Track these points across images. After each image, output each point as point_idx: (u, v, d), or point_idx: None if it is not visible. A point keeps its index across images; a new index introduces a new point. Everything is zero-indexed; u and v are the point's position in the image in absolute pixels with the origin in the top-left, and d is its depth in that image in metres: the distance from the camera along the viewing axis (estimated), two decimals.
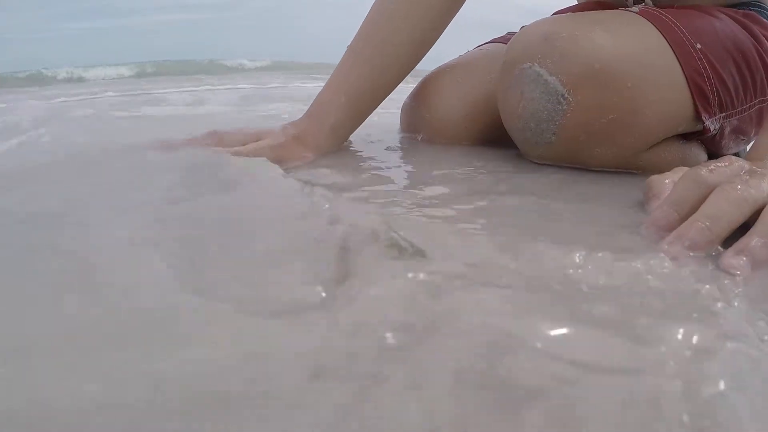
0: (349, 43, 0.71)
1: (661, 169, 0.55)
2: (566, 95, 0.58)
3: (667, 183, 0.46)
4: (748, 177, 0.39)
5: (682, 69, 0.60)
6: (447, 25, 0.74)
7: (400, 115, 0.84)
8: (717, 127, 0.66)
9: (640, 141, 0.62)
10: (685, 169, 0.47)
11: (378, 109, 0.72)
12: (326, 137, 0.67)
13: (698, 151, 0.70)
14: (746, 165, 0.41)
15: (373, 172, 0.61)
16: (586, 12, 0.64)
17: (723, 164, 0.41)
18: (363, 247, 0.32)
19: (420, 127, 0.80)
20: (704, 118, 0.63)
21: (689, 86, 0.60)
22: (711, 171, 0.40)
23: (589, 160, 0.62)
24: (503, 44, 0.80)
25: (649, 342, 0.25)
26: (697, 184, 0.39)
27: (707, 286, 0.31)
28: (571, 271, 0.32)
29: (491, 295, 0.29)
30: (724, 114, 0.65)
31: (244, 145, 0.62)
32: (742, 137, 0.72)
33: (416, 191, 0.53)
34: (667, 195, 0.43)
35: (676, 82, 0.60)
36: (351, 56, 0.70)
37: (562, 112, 0.58)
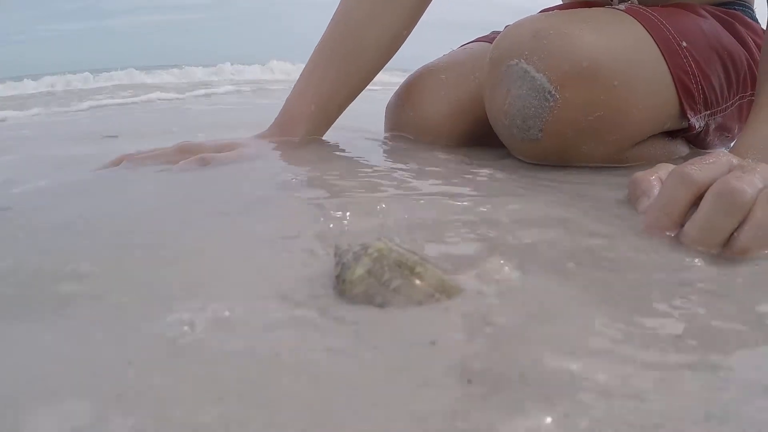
0: (315, 47, 0.70)
1: (645, 167, 0.59)
2: (553, 92, 0.58)
3: (653, 180, 0.45)
4: (739, 174, 0.38)
5: (669, 67, 0.60)
6: (416, 24, 0.74)
7: (384, 114, 0.84)
8: (702, 124, 0.66)
9: (626, 138, 0.63)
10: (669, 165, 0.47)
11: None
12: (298, 146, 0.68)
13: (683, 149, 0.71)
14: (733, 159, 0.41)
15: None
16: (574, 10, 0.64)
17: (710, 161, 0.40)
18: None
19: (404, 127, 0.79)
20: (690, 116, 0.63)
21: (675, 84, 0.61)
22: (699, 169, 0.39)
23: (575, 156, 0.63)
24: (488, 43, 0.80)
25: None
26: (685, 184, 0.38)
27: None
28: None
29: None
30: (709, 112, 0.65)
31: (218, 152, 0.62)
32: (727, 134, 0.72)
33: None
34: (655, 196, 0.42)
35: (662, 80, 0.61)
36: (319, 61, 0.70)
37: (549, 108, 0.58)
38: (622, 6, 0.65)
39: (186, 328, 0.26)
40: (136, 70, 4.17)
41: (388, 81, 1.58)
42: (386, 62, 0.74)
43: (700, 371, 0.23)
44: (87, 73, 3.85)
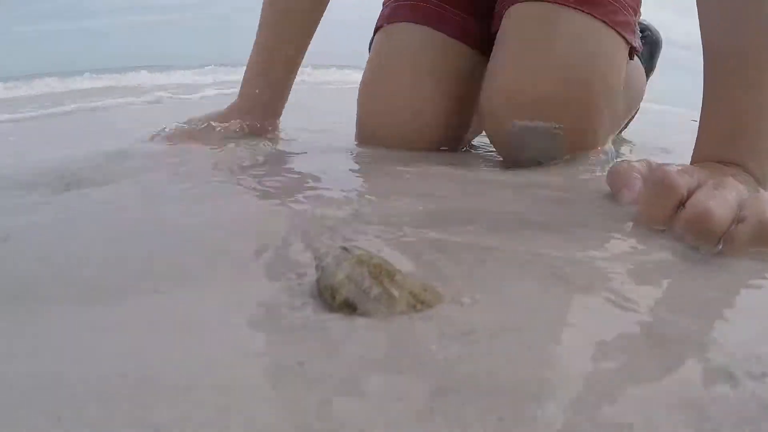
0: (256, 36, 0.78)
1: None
2: (556, 125, 0.63)
3: (634, 173, 0.46)
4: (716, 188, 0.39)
5: (609, 25, 0.65)
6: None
7: (356, 129, 0.79)
8: (639, 33, 0.72)
9: (617, 99, 0.69)
10: (645, 160, 0.48)
11: None
12: (263, 111, 0.79)
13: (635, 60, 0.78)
14: (707, 177, 0.42)
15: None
16: (513, 37, 0.67)
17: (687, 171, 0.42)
18: None
19: (381, 136, 0.75)
20: (632, 42, 0.68)
21: (618, 32, 0.66)
22: (680, 176, 0.40)
23: (592, 137, 0.67)
24: (406, 23, 0.76)
25: None
26: (667, 195, 0.39)
27: None
28: None
29: None
30: (636, 16, 0.71)
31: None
32: None
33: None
34: (636, 189, 0.44)
35: (610, 37, 0.66)
36: (260, 47, 0.78)
37: (561, 132, 0.63)
38: None
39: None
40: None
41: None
42: (316, 27, 0.79)
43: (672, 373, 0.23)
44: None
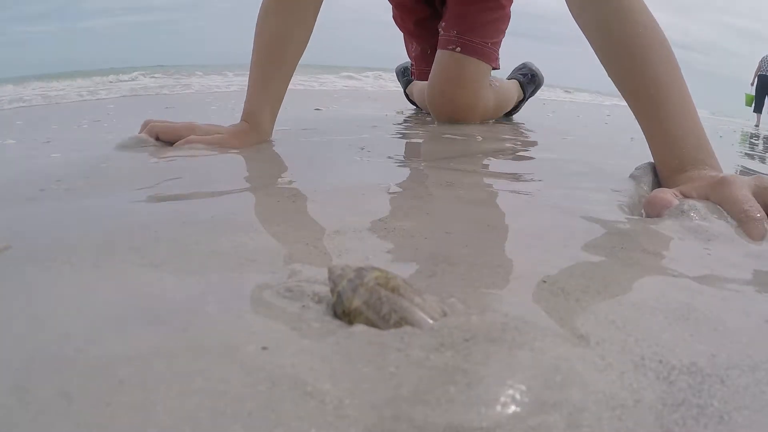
0: (251, 63, 0.89)
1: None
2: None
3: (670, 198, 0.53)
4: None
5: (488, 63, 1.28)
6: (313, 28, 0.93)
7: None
8: (498, 58, 1.31)
9: (486, 101, 1.33)
10: (665, 190, 0.54)
11: None
12: (261, 134, 0.90)
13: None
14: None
15: None
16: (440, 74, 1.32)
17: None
18: None
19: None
20: (494, 64, 1.31)
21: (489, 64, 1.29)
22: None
23: (475, 117, 1.32)
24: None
25: None
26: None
27: None
28: None
29: None
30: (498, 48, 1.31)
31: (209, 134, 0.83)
32: None
33: None
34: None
35: (485, 69, 1.29)
36: (258, 72, 0.89)
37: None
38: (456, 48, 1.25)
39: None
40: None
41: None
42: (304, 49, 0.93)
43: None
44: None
